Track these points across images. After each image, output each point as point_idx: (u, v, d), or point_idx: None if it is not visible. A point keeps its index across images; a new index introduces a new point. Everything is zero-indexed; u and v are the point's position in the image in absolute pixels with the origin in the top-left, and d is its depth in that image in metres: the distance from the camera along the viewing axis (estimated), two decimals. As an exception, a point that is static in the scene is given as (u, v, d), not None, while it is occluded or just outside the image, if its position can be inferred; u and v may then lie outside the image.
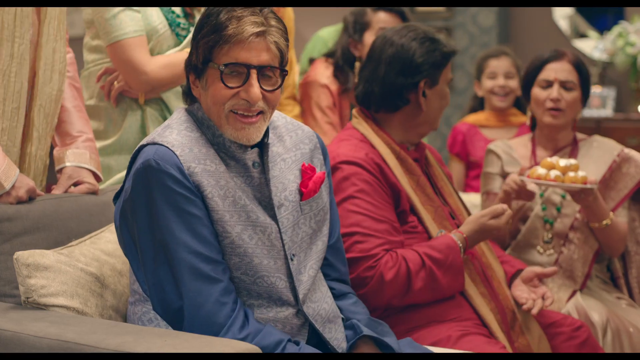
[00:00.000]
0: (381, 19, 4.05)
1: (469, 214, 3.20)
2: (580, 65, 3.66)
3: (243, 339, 2.21)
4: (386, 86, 3.01)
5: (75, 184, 2.89)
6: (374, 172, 2.93)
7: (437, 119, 3.10)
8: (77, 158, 2.91)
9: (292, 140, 2.52)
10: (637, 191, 3.64)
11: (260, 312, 2.36)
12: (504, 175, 3.73)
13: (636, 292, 3.67)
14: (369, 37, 4.04)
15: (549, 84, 3.64)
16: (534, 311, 3.02)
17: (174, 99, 3.29)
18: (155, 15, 3.25)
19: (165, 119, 3.31)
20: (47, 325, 2.24)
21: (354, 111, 3.14)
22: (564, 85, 3.62)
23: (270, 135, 2.47)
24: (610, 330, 3.37)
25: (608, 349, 3.35)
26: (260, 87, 2.30)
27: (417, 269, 2.85)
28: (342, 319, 2.56)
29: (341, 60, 4.12)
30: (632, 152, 3.62)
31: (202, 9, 3.37)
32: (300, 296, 2.41)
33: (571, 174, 3.35)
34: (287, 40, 2.36)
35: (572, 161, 3.39)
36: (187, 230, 2.25)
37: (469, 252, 3.01)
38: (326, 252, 2.59)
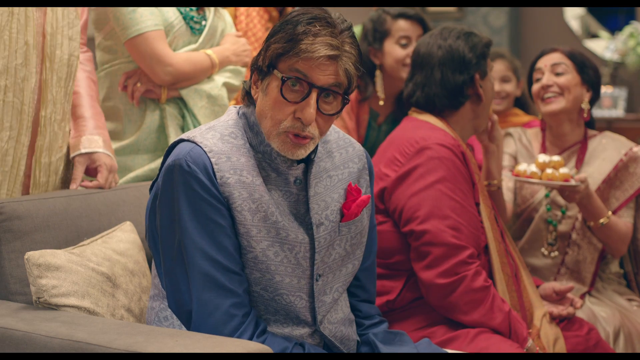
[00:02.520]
0: (401, 27, 4.01)
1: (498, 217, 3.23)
2: (574, 53, 3.63)
3: None
4: (447, 87, 3.09)
5: (88, 169, 2.90)
6: (462, 161, 2.99)
7: (490, 109, 3.20)
8: (93, 144, 2.91)
9: (341, 157, 2.47)
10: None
11: (276, 327, 2.34)
12: (515, 156, 3.74)
13: None
14: (389, 46, 4.00)
15: (541, 75, 3.64)
16: (563, 314, 3.14)
17: (194, 97, 3.29)
18: (170, 11, 3.27)
19: (184, 117, 3.32)
20: (58, 326, 2.24)
21: (413, 109, 3.18)
22: (555, 71, 3.61)
23: (320, 148, 2.42)
24: (623, 333, 3.36)
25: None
26: (318, 109, 2.22)
27: (497, 308, 2.87)
28: (358, 341, 2.55)
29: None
30: None
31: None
32: (319, 317, 2.38)
33: (549, 170, 3.34)
34: (358, 68, 2.27)
35: (555, 158, 3.38)
36: (208, 237, 2.22)
37: (507, 252, 3.09)
38: (360, 274, 2.58)
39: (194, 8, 3.34)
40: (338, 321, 2.44)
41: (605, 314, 3.41)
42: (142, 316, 2.57)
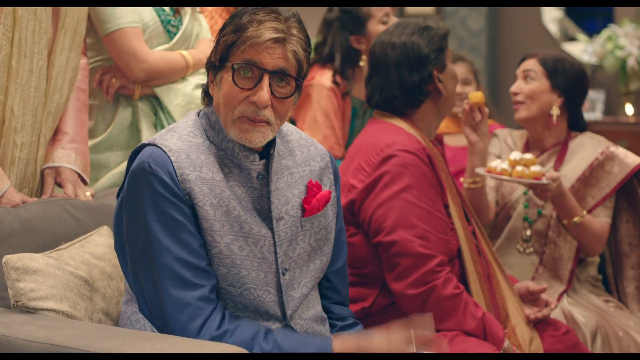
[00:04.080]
0: (381, 8, 4.05)
1: (472, 213, 3.23)
2: (547, 59, 3.67)
3: (220, 336, 2.22)
4: (404, 87, 3.04)
5: (56, 181, 2.92)
6: (428, 165, 2.96)
7: (455, 99, 3.17)
8: (62, 158, 2.92)
9: (302, 155, 2.50)
10: (629, 192, 3.65)
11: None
12: (500, 156, 3.78)
13: (629, 291, 3.67)
14: (373, 26, 4.01)
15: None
16: (539, 316, 3.13)
17: (168, 95, 3.32)
18: (147, 11, 3.32)
19: (157, 115, 3.36)
20: (36, 329, 2.24)
21: (376, 111, 3.16)
22: (525, 77, 3.67)
23: (281, 147, 2.45)
24: (600, 334, 3.38)
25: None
26: (272, 93, 2.28)
27: (470, 314, 2.87)
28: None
29: (341, 61, 4.07)
30: (618, 151, 3.60)
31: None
32: (289, 312, 2.40)
33: (519, 168, 3.37)
34: (307, 51, 2.33)
35: (528, 155, 3.41)
36: (171, 235, 2.24)
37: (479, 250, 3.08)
38: (331, 275, 2.59)
39: (171, 13, 3.38)
40: (309, 317, 2.46)
41: (583, 316, 3.43)
42: (120, 320, 2.57)
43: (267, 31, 2.24)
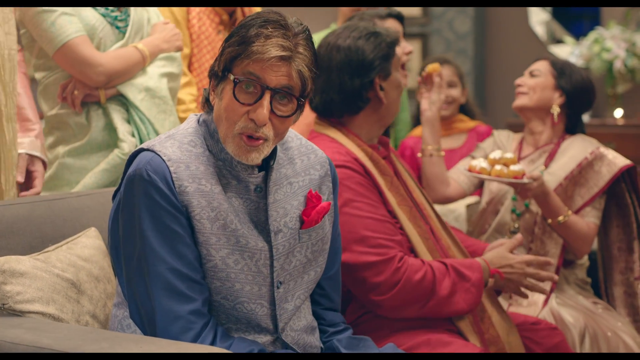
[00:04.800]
0: (392, 26, 4.04)
1: (432, 208, 3.21)
2: (556, 61, 3.81)
3: None
4: (344, 92, 2.98)
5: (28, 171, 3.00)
6: (362, 174, 2.92)
7: (397, 107, 3.10)
8: (31, 146, 3.00)
9: (302, 164, 2.46)
10: (618, 196, 3.67)
11: (237, 336, 2.34)
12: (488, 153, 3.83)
13: (617, 295, 3.69)
14: None
15: None
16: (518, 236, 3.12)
17: (132, 90, 3.34)
18: (90, 14, 3.31)
19: (129, 112, 3.36)
20: (23, 332, 2.23)
21: (315, 119, 3.12)
22: (532, 73, 3.79)
23: (281, 155, 2.41)
24: (588, 335, 3.39)
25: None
26: (272, 111, 2.23)
27: (442, 276, 2.85)
28: (321, 349, 2.54)
29: None
30: (608, 152, 3.64)
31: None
32: (281, 324, 2.38)
33: (498, 167, 3.41)
34: (313, 70, 2.27)
35: (508, 155, 3.46)
36: (167, 245, 2.22)
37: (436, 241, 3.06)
38: (324, 282, 2.57)
39: (114, 8, 3.37)
40: (300, 329, 2.44)
41: (572, 317, 3.45)
42: (107, 322, 2.56)
43: (273, 48, 2.19)
